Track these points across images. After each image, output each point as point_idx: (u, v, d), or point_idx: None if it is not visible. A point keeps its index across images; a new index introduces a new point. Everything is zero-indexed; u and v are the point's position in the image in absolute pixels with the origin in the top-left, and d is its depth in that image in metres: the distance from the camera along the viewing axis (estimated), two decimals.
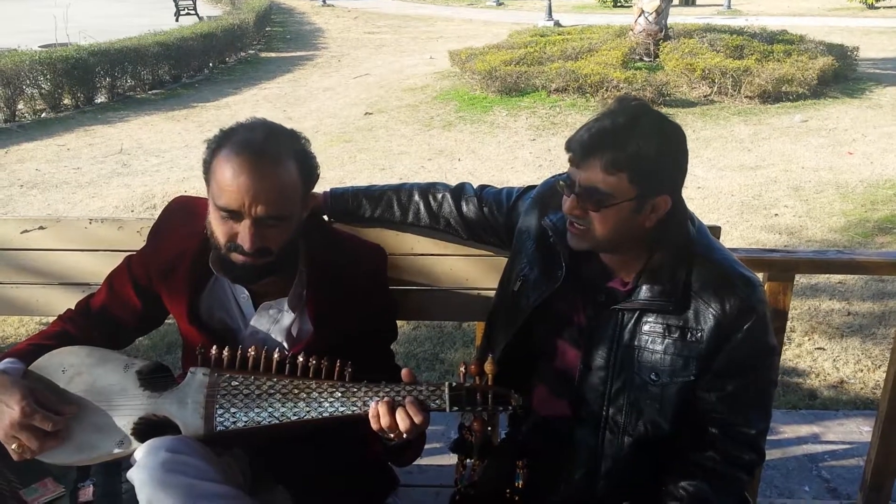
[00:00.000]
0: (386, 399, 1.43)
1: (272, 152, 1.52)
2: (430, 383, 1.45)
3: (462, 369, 1.45)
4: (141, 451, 1.45)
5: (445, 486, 2.02)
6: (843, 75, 11.56)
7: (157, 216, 1.80)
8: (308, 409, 1.48)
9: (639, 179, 1.44)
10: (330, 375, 1.49)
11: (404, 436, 1.44)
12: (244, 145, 1.50)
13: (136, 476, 1.42)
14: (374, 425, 1.44)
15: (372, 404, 1.44)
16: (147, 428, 1.51)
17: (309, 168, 1.60)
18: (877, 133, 8.83)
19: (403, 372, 1.48)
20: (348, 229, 1.92)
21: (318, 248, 1.70)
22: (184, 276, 1.68)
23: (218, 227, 1.54)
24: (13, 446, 1.48)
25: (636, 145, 1.42)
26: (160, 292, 1.72)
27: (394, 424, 1.42)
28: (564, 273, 1.62)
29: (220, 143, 1.54)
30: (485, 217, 1.87)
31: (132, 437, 1.51)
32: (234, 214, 1.50)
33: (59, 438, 1.51)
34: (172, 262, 1.70)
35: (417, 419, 1.41)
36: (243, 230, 1.51)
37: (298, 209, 1.58)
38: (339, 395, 1.47)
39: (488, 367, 1.43)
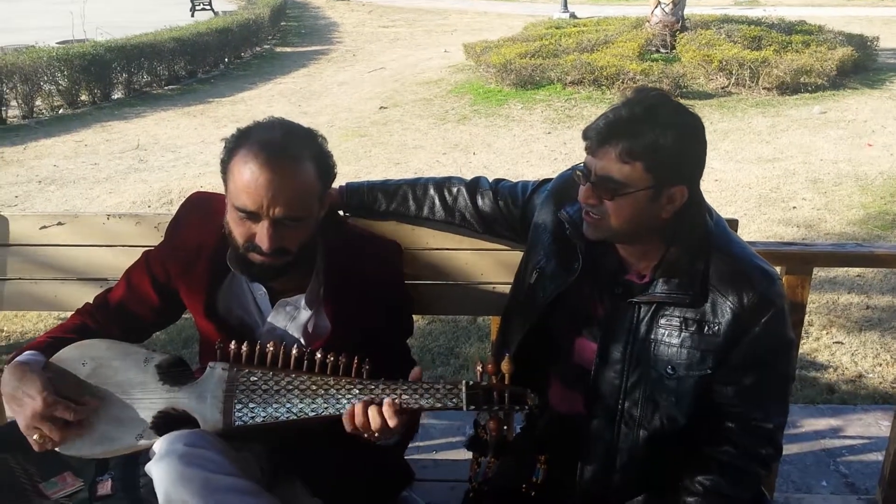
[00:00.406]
0: (364, 400, 1.43)
1: (291, 152, 1.51)
2: (447, 382, 1.45)
3: (479, 368, 1.45)
4: (159, 445, 1.46)
5: (460, 481, 2.02)
6: (862, 66, 11.45)
7: (173, 212, 1.81)
8: (326, 405, 1.48)
9: (655, 169, 1.43)
10: (348, 372, 1.49)
11: (376, 435, 1.43)
12: (262, 145, 1.50)
13: (155, 469, 1.43)
14: (347, 427, 1.44)
15: (349, 406, 1.44)
16: (166, 422, 1.52)
17: (326, 168, 1.59)
18: None
19: (414, 371, 1.48)
20: (364, 224, 1.93)
21: (334, 244, 1.70)
22: (202, 272, 1.69)
23: (236, 228, 1.54)
24: (35, 437, 1.50)
25: (653, 135, 1.42)
26: (178, 288, 1.73)
27: (366, 423, 1.42)
28: (581, 266, 1.61)
29: (238, 142, 1.54)
30: (500, 211, 1.86)
31: (151, 431, 1.52)
32: (251, 215, 1.51)
33: (80, 429, 1.52)
34: (190, 258, 1.70)
35: (392, 422, 1.40)
36: (261, 231, 1.51)
37: (316, 209, 1.58)
38: (357, 391, 1.47)
39: (505, 365, 1.42)
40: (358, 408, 1.42)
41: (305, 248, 1.59)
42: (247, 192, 1.48)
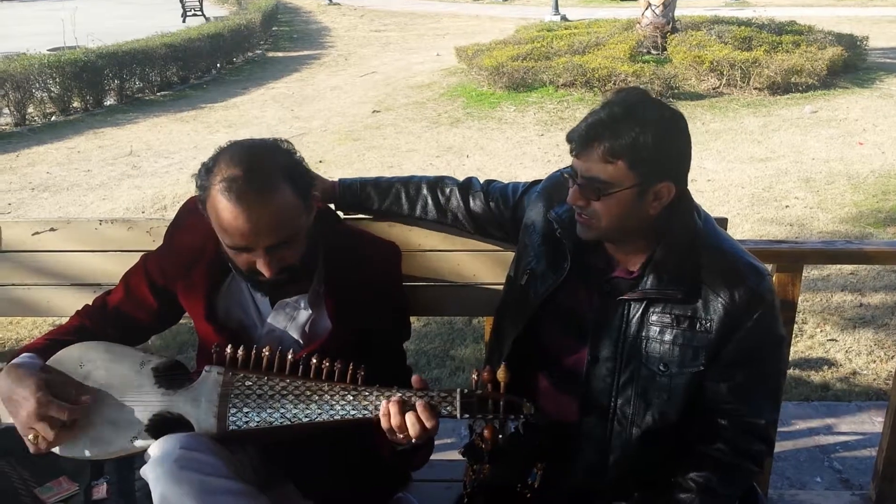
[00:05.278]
0: (397, 397, 1.43)
1: (260, 184, 1.48)
2: (441, 389, 1.44)
3: (475, 376, 1.45)
4: (155, 448, 1.46)
5: (456, 481, 2.02)
6: (852, 65, 11.51)
7: (167, 217, 1.81)
8: (319, 411, 1.48)
9: (638, 167, 1.45)
10: (342, 378, 1.50)
11: (413, 440, 1.44)
12: (230, 184, 1.46)
13: (150, 472, 1.43)
14: (383, 424, 1.44)
15: (383, 402, 1.44)
16: (161, 424, 1.52)
17: (301, 179, 1.56)
18: (887, 123, 8.78)
19: (413, 378, 1.48)
20: (361, 226, 1.93)
21: (334, 246, 1.71)
22: (201, 275, 1.70)
23: (234, 259, 1.56)
24: (30, 437, 1.50)
25: (633, 133, 1.43)
26: (176, 291, 1.74)
27: (403, 425, 1.42)
28: (570, 265, 1.62)
29: (207, 180, 1.51)
30: (491, 212, 1.87)
31: (146, 433, 1.53)
32: (244, 249, 1.51)
33: (75, 429, 1.53)
34: (189, 261, 1.71)
35: (429, 424, 1.42)
36: (260, 261, 1.51)
37: (304, 221, 1.57)
38: (351, 398, 1.47)
39: (501, 374, 1.42)
40: (393, 409, 1.42)
41: (307, 257, 1.61)
42: (230, 233, 1.49)
